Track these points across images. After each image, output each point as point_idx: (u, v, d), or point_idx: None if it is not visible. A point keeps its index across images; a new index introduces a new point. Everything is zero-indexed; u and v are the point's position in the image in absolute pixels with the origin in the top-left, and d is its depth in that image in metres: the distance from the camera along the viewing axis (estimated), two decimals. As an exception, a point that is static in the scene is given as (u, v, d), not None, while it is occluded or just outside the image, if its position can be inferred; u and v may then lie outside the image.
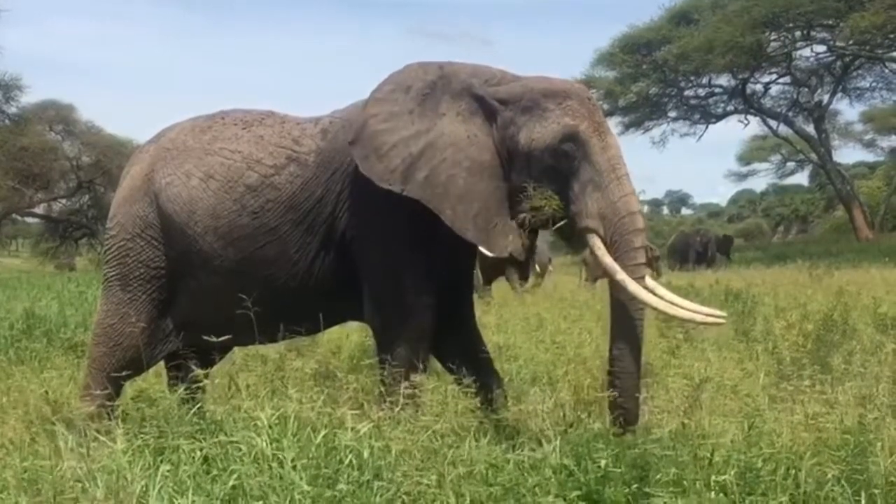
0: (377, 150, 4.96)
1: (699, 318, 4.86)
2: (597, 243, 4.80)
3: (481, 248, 5.15)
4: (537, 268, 16.76)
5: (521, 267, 15.73)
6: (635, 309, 4.79)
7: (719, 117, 44.36)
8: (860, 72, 41.59)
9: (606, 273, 4.79)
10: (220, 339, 5.02)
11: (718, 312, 4.93)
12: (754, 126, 46.00)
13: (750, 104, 42.65)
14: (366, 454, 3.88)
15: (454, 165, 4.93)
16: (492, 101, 5.01)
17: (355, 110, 5.31)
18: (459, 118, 5.03)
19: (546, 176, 4.88)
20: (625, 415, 4.65)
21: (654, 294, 4.78)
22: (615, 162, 4.85)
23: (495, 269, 15.49)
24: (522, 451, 4.12)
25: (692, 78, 41.38)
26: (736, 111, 43.83)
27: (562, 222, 4.90)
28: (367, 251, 5.12)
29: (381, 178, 4.93)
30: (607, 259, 4.75)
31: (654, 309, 4.77)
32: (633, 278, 4.70)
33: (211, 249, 5.25)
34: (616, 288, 4.76)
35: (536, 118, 4.91)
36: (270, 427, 4.03)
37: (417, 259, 5.09)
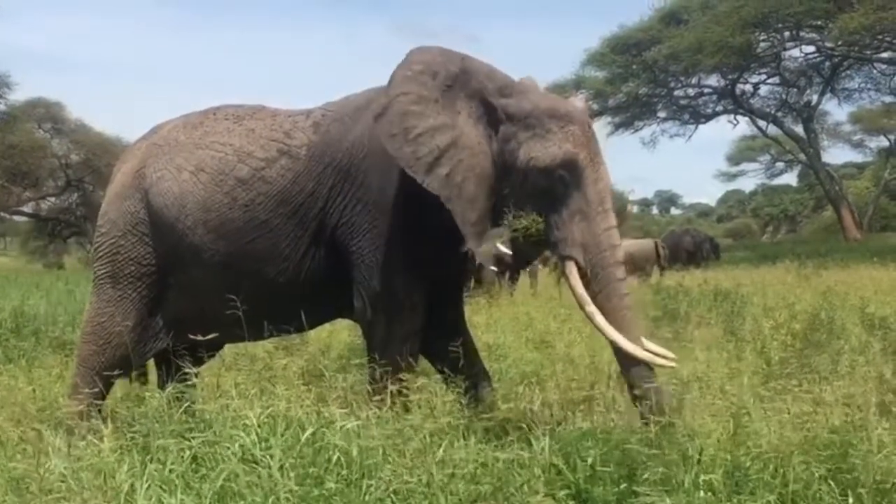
0: (406, 133, 4.93)
1: (657, 360, 4.84)
2: (573, 272, 4.86)
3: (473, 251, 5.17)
4: (529, 270, 16.84)
5: (510, 269, 15.78)
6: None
7: (709, 117, 44.49)
8: (849, 72, 41.69)
9: (577, 302, 4.88)
10: (209, 336, 5.03)
11: (671, 355, 4.94)
12: (743, 126, 46.32)
13: (739, 104, 42.75)
14: (354, 453, 3.88)
15: (468, 169, 4.96)
16: (499, 113, 5.02)
17: (348, 103, 5.31)
18: (471, 120, 5.05)
19: (537, 195, 4.92)
20: (652, 404, 4.62)
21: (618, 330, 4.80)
22: (604, 195, 4.92)
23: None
24: (511, 449, 4.12)
25: (682, 78, 41.44)
26: (725, 111, 43.96)
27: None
28: (358, 248, 5.12)
29: (407, 163, 4.91)
30: (580, 289, 4.83)
31: (614, 343, 4.78)
32: (620, 310, 4.79)
33: (201, 243, 5.23)
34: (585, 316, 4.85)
35: (538, 138, 4.93)
36: (259, 426, 4.02)
37: (408, 257, 5.09)
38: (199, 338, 5.02)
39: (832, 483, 3.81)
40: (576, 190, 4.87)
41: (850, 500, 3.74)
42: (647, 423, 4.47)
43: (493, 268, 14.14)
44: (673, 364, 4.93)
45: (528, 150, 4.93)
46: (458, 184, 4.93)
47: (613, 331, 4.77)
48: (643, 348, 4.81)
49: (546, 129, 4.94)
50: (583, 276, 4.85)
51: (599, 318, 4.77)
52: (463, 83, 5.09)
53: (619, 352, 4.82)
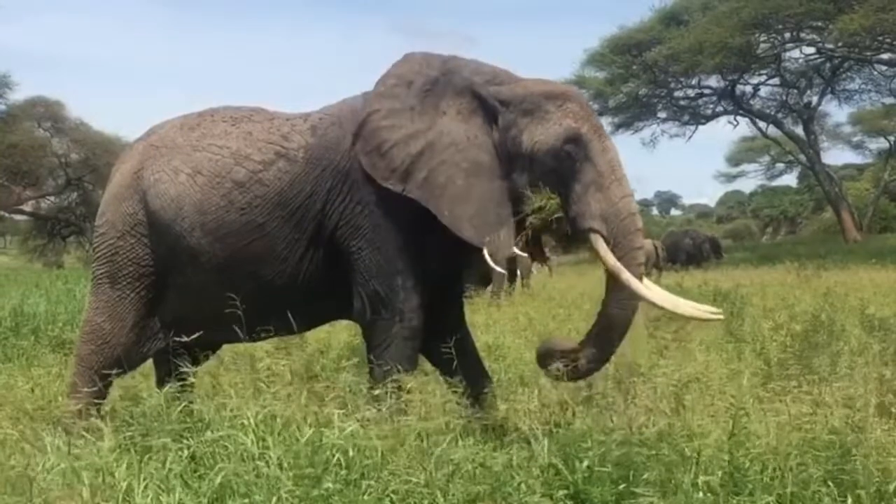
0: (379, 148, 4.99)
1: (700, 314, 5.00)
2: (601, 243, 4.86)
3: (482, 249, 5.15)
4: (518, 271, 16.77)
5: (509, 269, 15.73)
6: (629, 305, 4.91)
7: (709, 118, 44.47)
8: (849, 74, 41.71)
9: (610, 272, 4.86)
10: (207, 337, 5.03)
11: (715, 310, 5.07)
12: (743, 127, 46.25)
13: (739, 105, 42.74)
14: (352, 453, 3.88)
15: (453, 166, 4.96)
16: (493, 102, 5.04)
17: (346, 107, 5.32)
18: (460, 117, 5.06)
19: (547, 177, 4.93)
20: (576, 368, 4.85)
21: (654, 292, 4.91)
22: (615, 164, 4.95)
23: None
24: (510, 450, 4.12)
25: (682, 79, 41.43)
26: (725, 112, 43.94)
27: (554, 221, 4.96)
28: (357, 250, 5.12)
29: (383, 176, 4.97)
30: (611, 259, 4.83)
31: (656, 305, 4.90)
32: (636, 276, 4.82)
33: (198, 245, 5.23)
34: (619, 286, 4.83)
35: (538, 120, 4.96)
36: (256, 426, 4.02)
37: (409, 259, 5.09)
38: (184, 338, 5.05)
39: (831, 484, 3.81)
40: (585, 162, 4.90)
41: (850, 502, 3.74)
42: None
43: (500, 270, 14.04)
44: (720, 316, 5.11)
45: (531, 135, 4.96)
46: (442, 184, 4.95)
47: (650, 293, 4.86)
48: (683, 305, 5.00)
49: (544, 111, 4.98)
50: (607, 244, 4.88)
51: (636, 284, 4.79)
52: (446, 83, 5.13)
53: (595, 332, 4.95)
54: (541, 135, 4.94)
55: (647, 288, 4.90)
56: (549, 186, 4.93)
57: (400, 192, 4.95)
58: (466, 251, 5.26)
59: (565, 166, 4.91)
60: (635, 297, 4.85)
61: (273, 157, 5.21)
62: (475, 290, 14.55)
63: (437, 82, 5.13)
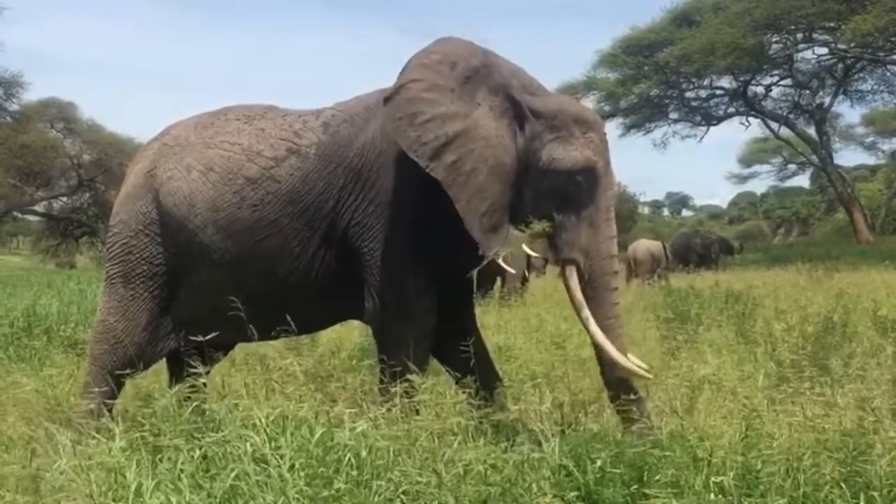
0: (413, 117, 4.94)
1: (638, 371, 4.92)
2: (573, 276, 4.97)
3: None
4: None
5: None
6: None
7: (720, 119, 44.28)
8: (861, 74, 41.50)
9: (574, 306, 5.01)
10: (210, 336, 5.04)
11: (646, 367, 5.02)
12: (755, 128, 45.80)
13: (751, 106, 42.58)
14: (364, 453, 3.87)
15: (480, 160, 4.96)
16: (524, 109, 5.06)
17: (359, 104, 5.32)
18: (492, 114, 5.06)
19: (552, 196, 4.99)
20: (625, 413, 4.75)
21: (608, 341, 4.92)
22: (610, 203, 5.05)
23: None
24: (521, 450, 4.11)
25: (693, 80, 41.27)
26: (737, 113, 43.75)
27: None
28: (370, 249, 5.12)
29: (410, 146, 4.92)
30: (578, 295, 4.95)
31: (604, 350, 4.88)
32: (608, 317, 4.93)
33: (211, 243, 5.24)
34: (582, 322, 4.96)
35: (561, 141, 5.00)
36: (268, 426, 4.02)
37: (420, 259, 5.09)
38: (200, 338, 5.05)
39: (844, 486, 3.80)
40: (588, 196, 4.97)
41: (862, 503, 3.72)
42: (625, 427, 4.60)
43: (512, 270, 14.00)
44: (650, 376, 5.05)
45: (551, 152, 4.99)
46: (467, 172, 4.94)
47: (604, 337, 4.88)
48: (626, 358, 4.92)
49: (570, 133, 5.01)
50: (580, 278, 4.98)
51: (593, 325, 4.89)
52: (485, 77, 5.11)
53: (602, 357, 4.96)
54: (559, 155, 4.97)
55: (606, 339, 4.89)
56: (550, 205, 5.00)
57: (424, 167, 4.89)
58: (477, 251, 5.26)
59: (571, 192, 4.97)
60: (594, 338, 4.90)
61: (285, 154, 5.21)
62: (485, 291, 14.54)
63: (478, 72, 5.10)
